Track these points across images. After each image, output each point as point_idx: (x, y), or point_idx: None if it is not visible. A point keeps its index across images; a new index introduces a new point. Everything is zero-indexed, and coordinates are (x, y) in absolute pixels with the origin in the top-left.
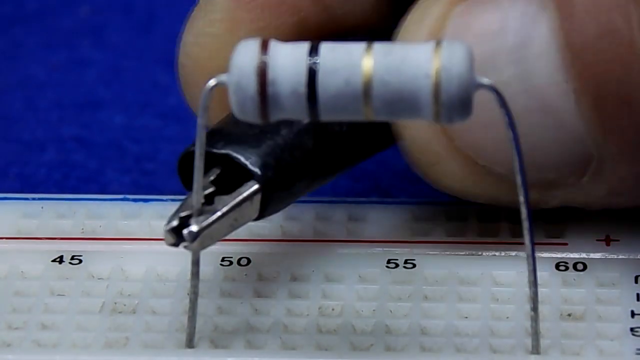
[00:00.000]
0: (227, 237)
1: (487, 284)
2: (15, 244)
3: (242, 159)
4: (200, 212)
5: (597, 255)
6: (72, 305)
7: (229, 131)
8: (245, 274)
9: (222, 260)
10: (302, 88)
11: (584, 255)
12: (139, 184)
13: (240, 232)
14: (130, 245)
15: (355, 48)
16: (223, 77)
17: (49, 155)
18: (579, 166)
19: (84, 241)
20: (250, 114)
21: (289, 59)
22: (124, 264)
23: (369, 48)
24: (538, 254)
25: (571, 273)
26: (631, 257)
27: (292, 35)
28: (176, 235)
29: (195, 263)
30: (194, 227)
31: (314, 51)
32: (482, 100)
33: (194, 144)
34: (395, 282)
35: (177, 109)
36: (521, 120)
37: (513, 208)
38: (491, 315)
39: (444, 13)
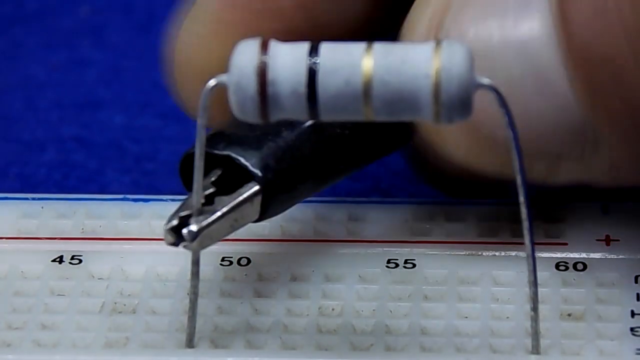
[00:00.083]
0: (227, 237)
1: (487, 284)
2: (15, 244)
3: (243, 160)
4: (200, 212)
5: (597, 255)
6: (72, 305)
7: (230, 132)
8: (245, 274)
9: (222, 260)
10: (302, 88)
11: (584, 255)
12: (139, 184)
13: (240, 232)
14: (130, 245)
15: (355, 48)
16: (223, 77)
17: (49, 155)
18: (578, 138)
19: (84, 241)
20: (250, 114)
21: (289, 59)
22: (124, 264)
23: (369, 48)
24: (538, 254)
25: (571, 273)
26: (631, 257)
27: (281, 39)
28: (176, 235)
29: (195, 263)
30: (193, 227)
31: (314, 51)
32: (480, 67)
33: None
34: (395, 282)
35: (177, 109)
36: (519, 89)
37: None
38: (491, 315)
39: None
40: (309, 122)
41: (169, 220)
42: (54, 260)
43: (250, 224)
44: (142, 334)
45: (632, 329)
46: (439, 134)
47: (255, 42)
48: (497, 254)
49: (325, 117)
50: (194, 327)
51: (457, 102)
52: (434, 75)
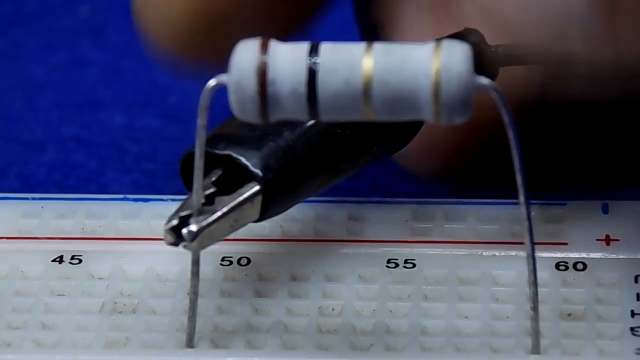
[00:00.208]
0: (227, 237)
1: (487, 283)
2: (15, 244)
3: (244, 160)
4: (200, 212)
5: (597, 255)
6: (72, 305)
7: (231, 132)
8: (245, 274)
9: (222, 260)
10: (302, 88)
11: (584, 255)
12: (139, 184)
13: (240, 232)
14: (130, 245)
15: (355, 48)
16: (223, 77)
17: (49, 155)
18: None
19: (84, 241)
20: (250, 114)
21: (288, 59)
22: (124, 264)
23: (369, 48)
24: (538, 254)
25: (571, 273)
26: (631, 257)
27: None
28: (176, 235)
29: (195, 263)
30: (193, 227)
31: (313, 51)
32: None
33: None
34: (395, 282)
35: (177, 109)
36: None
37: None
38: (491, 315)
39: None
40: (310, 122)
41: (169, 220)
42: (54, 260)
43: (250, 224)
44: (142, 334)
45: (632, 329)
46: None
47: (255, 42)
48: (497, 254)
49: (325, 117)
50: (194, 327)
51: (457, 102)
52: (434, 75)
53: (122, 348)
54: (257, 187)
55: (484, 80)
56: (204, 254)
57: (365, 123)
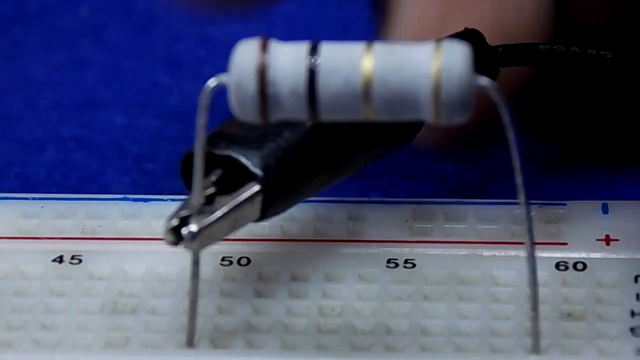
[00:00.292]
0: (227, 237)
1: (487, 284)
2: (15, 244)
3: (244, 160)
4: (200, 212)
5: (597, 255)
6: (72, 305)
7: (231, 132)
8: (245, 274)
9: (222, 260)
10: (302, 88)
11: (584, 255)
12: (139, 184)
13: (240, 232)
14: (130, 245)
15: (355, 48)
16: (223, 77)
17: (49, 155)
18: None
19: (84, 241)
20: (250, 114)
21: (288, 59)
22: (124, 264)
23: (369, 48)
24: (538, 254)
25: (571, 273)
26: (631, 257)
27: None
28: (176, 235)
29: (195, 263)
30: (193, 227)
31: (313, 51)
32: None
33: None
34: (395, 282)
35: (177, 109)
36: None
37: None
38: (491, 315)
39: None
40: (310, 122)
41: (169, 220)
42: (54, 260)
43: (250, 224)
44: (142, 334)
45: (632, 329)
46: None
47: (255, 42)
48: (497, 254)
49: (325, 117)
50: (194, 327)
51: (457, 102)
52: (434, 75)
53: (122, 348)
54: (257, 187)
55: (484, 81)
56: (204, 254)
57: (365, 123)
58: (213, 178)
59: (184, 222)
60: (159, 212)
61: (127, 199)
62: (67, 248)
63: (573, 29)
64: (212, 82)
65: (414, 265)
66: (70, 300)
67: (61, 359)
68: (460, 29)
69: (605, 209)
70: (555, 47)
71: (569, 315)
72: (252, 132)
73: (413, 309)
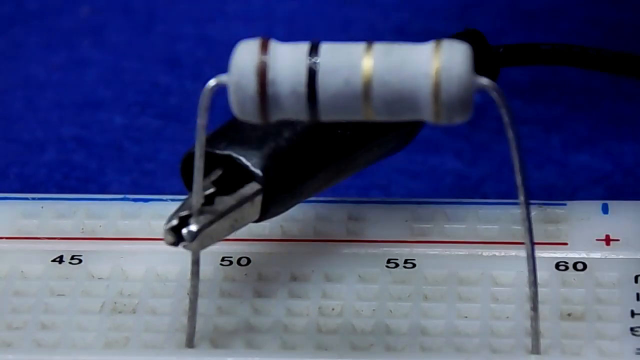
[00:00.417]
0: (227, 237)
1: (487, 284)
2: (15, 244)
3: (244, 160)
4: (200, 212)
5: (597, 255)
6: (72, 305)
7: (231, 132)
8: (245, 274)
9: (222, 260)
10: (302, 88)
11: (584, 255)
12: (139, 184)
13: (240, 232)
14: (130, 245)
15: (355, 48)
16: (223, 77)
17: (49, 155)
18: None
19: (84, 241)
20: (250, 114)
21: (288, 59)
22: (124, 264)
23: (369, 48)
24: (538, 254)
25: (571, 273)
26: (631, 257)
27: None
28: (176, 235)
29: (195, 263)
30: (193, 227)
31: (313, 51)
32: None
33: None
34: (395, 282)
35: (177, 109)
36: None
37: None
38: (491, 315)
39: None
40: (310, 122)
41: (169, 220)
42: (54, 260)
43: (250, 224)
44: (142, 334)
45: (632, 329)
46: None
47: (254, 42)
48: (497, 254)
49: (325, 117)
50: (194, 327)
51: (457, 102)
52: (434, 75)
53: (122, 348)
54: (257, 187)
55: (484, 81)
56: (204, 254)
57: (365, 123)
58: (213, 178)
59: (184, 222)
60: (159, 212)
61: (127, 199)
62: (67, 248)
63: None
64: (212, 82)
65: (414, 265)
66: (70, 300)
67: (61, 359)
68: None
69: (605, 209)
70: (556, 46)
71: (569, 316)
72: (252, 132)
73: (413, 309)
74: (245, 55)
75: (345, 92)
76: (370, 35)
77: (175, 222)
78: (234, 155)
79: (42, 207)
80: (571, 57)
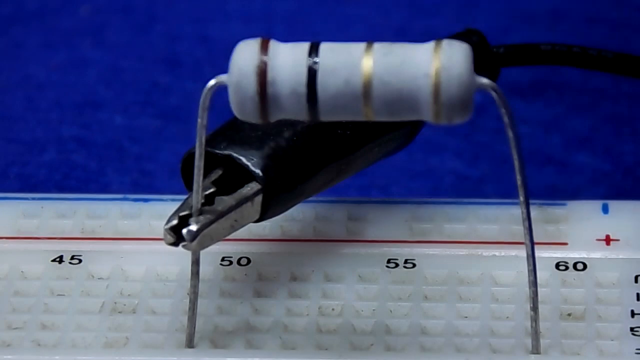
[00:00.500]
0: (227, 237)
1: (487, 284)
2: (15, 244)
3: (244, 160)
4: (200, 212)
5: (597, 255)
6: (72, 305)
7: (231, 132)
8: (245, 274)
9: (222, 260)
10: (302, 88)
11: (584, 255)
12: (139, 184)
13: (240, 232)
14: (130, 245)
15: (355, 48)
16: (223, 77)
17: (49, 155)
18: None
19: (84, 241)
20: (250, 114)
21: (288, 59)
22: (124, 264)
23: (368, 48)
24: (538, 254)
25: (571, 273)
26: (631, 257)
27: None
28: (176, 235)
29: (195, 263)
30: (193, 227)
31: (313, 51)
32: None
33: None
34: (395, 282)
35: (177, 109)
36: None
37: None
38: (491, 315)
39: None
40: (310, 122)
41: (169, 220)
42: (54, 260)
43: (250, 224)
44: (142, 334)
45: (632, 329)
46: None
47: (254, 42)
48: (497, 254)
49: (325, 117)
50: (194, 327)
51: (456, 102)
52: (434, 75)
53: (122, 348)
54: (257, 187)
55: (484, 81)
56: (204, 254)
57: (365, 123)
58: (213, 178)
59: (184, 222)
60: (159, 212)
61: (127, 199)
62: (67, 248)
63: None
64: (212, 82)
65: (414, 265)
66: (70, 300)
67: (61, 359)
68: None
69: (605, 209)
70: (556, 47)
71: (569, 316)
72: (252, 132)
73: (413, 309)
74: (245, 55)
75: (345, 92)
76: (370, 35)
77: (175, 222)
78: (234, 155)
79: (42, 207)
80: (571, 58)
